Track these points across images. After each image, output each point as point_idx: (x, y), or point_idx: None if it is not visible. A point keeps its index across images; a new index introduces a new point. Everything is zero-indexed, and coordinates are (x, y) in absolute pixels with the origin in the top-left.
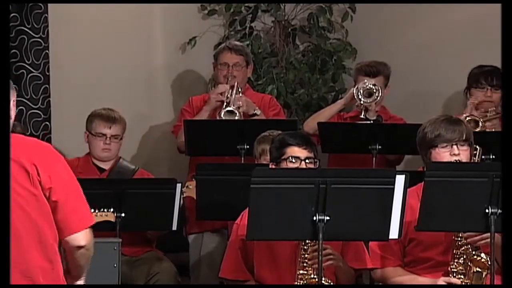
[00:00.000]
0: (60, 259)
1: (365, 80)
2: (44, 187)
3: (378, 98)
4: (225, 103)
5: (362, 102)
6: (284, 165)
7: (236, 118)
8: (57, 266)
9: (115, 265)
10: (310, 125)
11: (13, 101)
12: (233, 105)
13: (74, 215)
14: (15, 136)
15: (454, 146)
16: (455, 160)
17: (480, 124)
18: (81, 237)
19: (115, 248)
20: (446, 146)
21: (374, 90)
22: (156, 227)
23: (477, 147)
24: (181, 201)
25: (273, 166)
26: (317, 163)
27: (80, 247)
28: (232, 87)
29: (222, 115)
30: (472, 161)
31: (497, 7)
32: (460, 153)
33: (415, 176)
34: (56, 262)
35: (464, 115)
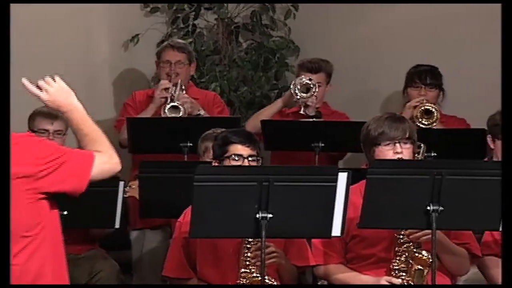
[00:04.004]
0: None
1: (302, 76)
2: (34, 183)
3: (315, 93)
4: (169, 99)
5: (299, 97)
6: (227, 163)
7: (181, 113)
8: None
9: None
10: (252, 124)
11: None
12: (177, 101)
13: (76, 171)
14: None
15: (397, 144)
16: (398, 158)
17: (435, 113)
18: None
19: None
20: (389, 144)
21: (311, 85)
22: (98, 224)
23: (421, 144)
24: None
25: (216, 164)
26: (260, 161)
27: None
28: (175, 85)
29: (166, 111)
30: (415, 158)
31: (439, 7)
32: (403, 151)
33: (357, 173)
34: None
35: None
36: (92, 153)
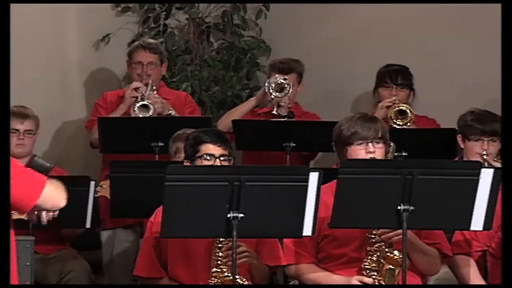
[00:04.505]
0: None
1: (277, 76)
2: None
3: (289, 93)
4: (139, 98)
5: (273, 96)
6: (198, 162)
7: (150, 112)
8: None
9: (27, 264)
10: (224, 123)
11: None
12: (147, 100)
13: (25, 189)
14: None
15: (370, 144)
16: (370, 157)
17: (409, 114)
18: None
19: (28, 246)
20: (362, 143)
21: (285, 85)
22: (69, 224)
23: (391, 143)
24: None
25: (188, 164)
26: (232, 161)
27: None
28: (146, 85)
29: (136, 109)
30: (386, 157)
31: (409, 7)
32: (376, 151)
33: (329, 173)
34: None
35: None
36: (45, 176)
